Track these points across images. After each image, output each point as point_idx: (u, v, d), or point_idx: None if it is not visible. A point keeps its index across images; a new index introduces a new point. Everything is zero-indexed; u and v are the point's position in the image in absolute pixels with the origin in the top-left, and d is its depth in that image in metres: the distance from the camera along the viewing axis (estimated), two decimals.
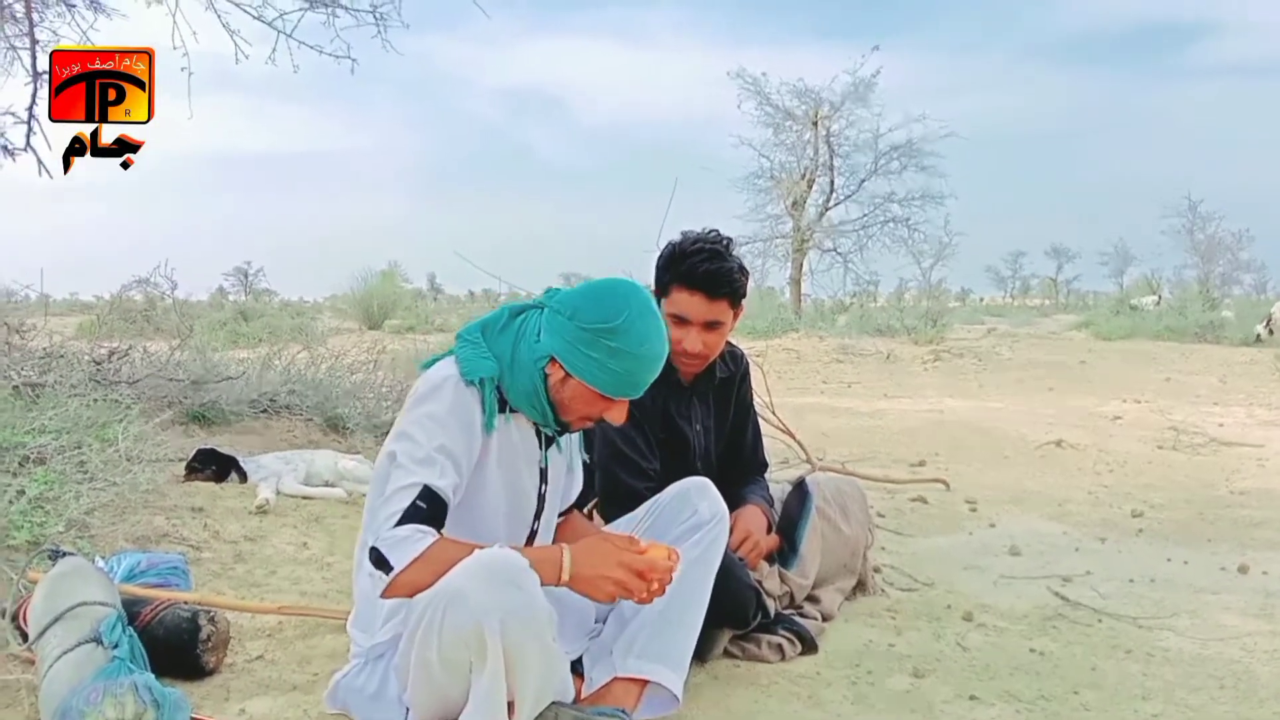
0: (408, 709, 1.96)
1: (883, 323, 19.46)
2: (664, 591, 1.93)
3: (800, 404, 9.29)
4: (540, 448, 2.12)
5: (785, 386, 11.22)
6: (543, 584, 1.81)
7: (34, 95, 4.99)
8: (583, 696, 2.13)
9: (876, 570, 3.39)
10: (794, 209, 21.98)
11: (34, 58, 5.19)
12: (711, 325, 2.61)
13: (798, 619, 2.79)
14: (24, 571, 2.38)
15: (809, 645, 2.70)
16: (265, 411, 5.51)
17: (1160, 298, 28.79)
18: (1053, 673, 2.64)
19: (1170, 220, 29.88)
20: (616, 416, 2.03)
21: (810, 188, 22.02)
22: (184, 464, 4.09)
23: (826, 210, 22.53)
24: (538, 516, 2.15)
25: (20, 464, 3.11)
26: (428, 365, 2.05)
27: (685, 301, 2.57)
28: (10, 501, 2.81)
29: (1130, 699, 2.48)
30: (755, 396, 3.09)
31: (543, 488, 2.14)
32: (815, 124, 21.75)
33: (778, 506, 3.07)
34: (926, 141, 21.38)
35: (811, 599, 2.95)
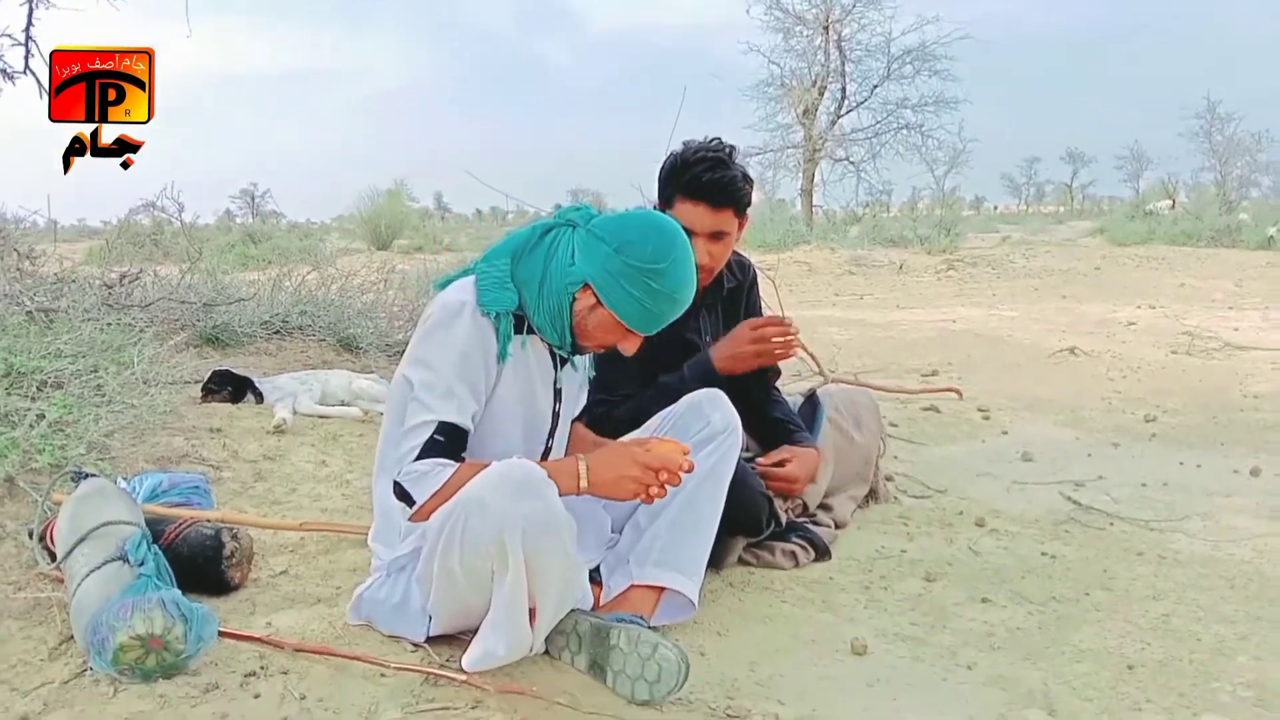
0: (430, 619, 2.01)
1: (895, 233, 19.33)
2: (679, 481, 1.96)
3: (812, 316, 9.27)
4: (555, 367, 2.12)
5: (797, 299, 11.19)
6: (561, 494, 1.84)
7: (30, 16, 4.89)
8: (601, 604, 2.17)
9: (889, 479, 3.42)
10: (805, 117, 21.67)
11: None
12: (717, 236, 2.58)
13: (811, 527, 2.82)
14: (48, 493, 2.41)
15: (822, 552, 2.73)
16: (278, 333, 5.53)
17: (1176, 202, 28.46)
18: (1064, 575, 2.68)
19: (1188, 122, 29.40)
20: (630, 347, 2.03)
21: (821, 95, 21.68)
22: (200, 386, 4.11)
23: (838, 118, 22.24)
24: (552, 434, 2.16)
25: (38, 389, 3.13)
26: (443, 285, 2.04)
27: (689, 212, 2.52)
28: (31, 426, 2.84)
29: (1141, 600, 2.51)
30: (768, 310, 3.08)
31: (557, 406, 2.15)
32: (826, 28, 21.33)
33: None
34: (940, 45, 21.03)
35: (824, 507, 2.98)
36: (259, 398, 4.11)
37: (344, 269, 7.10)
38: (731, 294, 2.85)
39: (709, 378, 2.53)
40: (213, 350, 5.12)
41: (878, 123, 22.16)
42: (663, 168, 2.60)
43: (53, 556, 2.18)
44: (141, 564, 1.98)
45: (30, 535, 2.39)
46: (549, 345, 2.07)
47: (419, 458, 1.89)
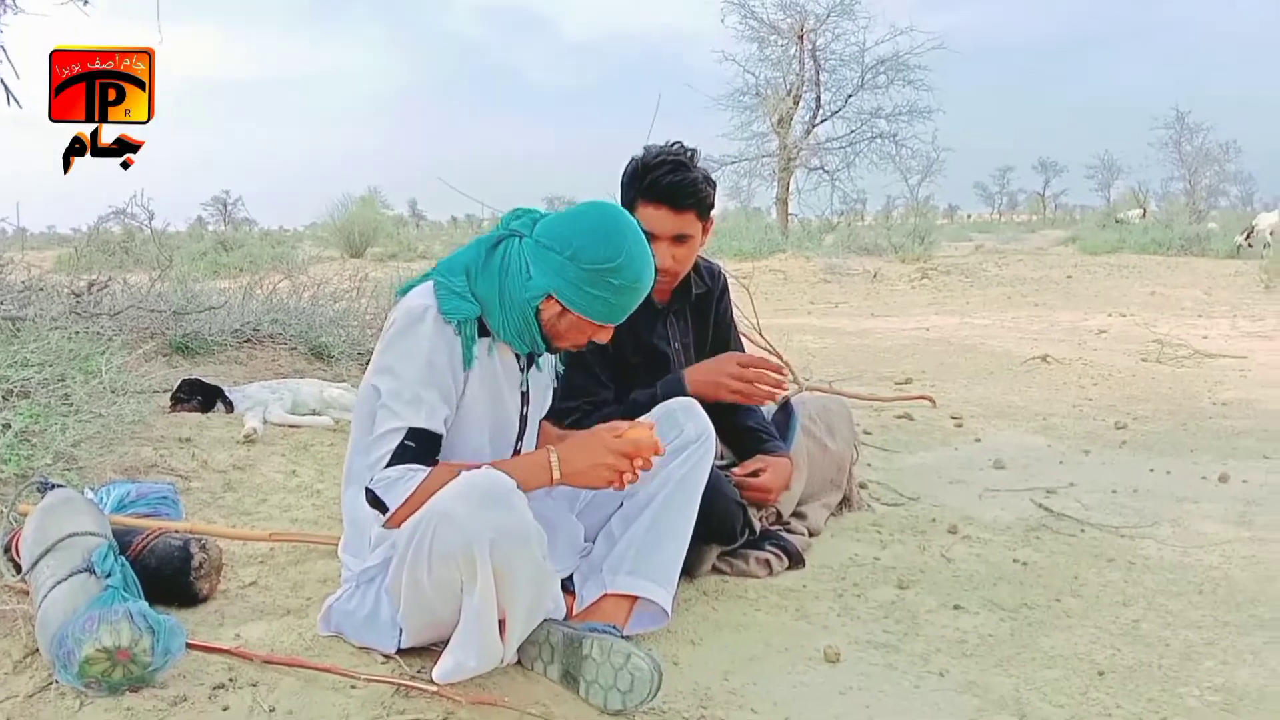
0: (401, 631, 1.99)
1: (870, 241, 19.46)
2: (651, 465, 1.98)
3: (788, 325, 9.32)
4: (521, 370, 2.12)
5: (773, 308, 11.22)
6: (536, 488, 1.88)
7: None
8: (574, 614, 2.16)
9: (862, 486, 3.43)
10: (779, 126, 21.77)
11: None
12: (680, 239, 2.56)
13: (785, 535, 2.83)
14: (14, 504, 2.39)
15: (796, 560, 2.74)
16: (249, 341, 5.49)
17: (1146, 211, 28.79)
18: (1036, 582, 2.69)
19: (1158, 132, 29.80)
20: (604, 337, 2.03)
21: (796, 104, 21.79)
22: (169, 395, 4.08)
23: (813, 127, 22.35)
24: (520, 437, 2.15)
25: (4, 398, 3.10)
26: (404, 291, 2.02)
27: (651, 216, 2.51)
28: None
29: (1111, 605, 2.53)
30: (742, 318, 3.08)
31: (525, 409, 2.14)
32: (801, 38, 21.44)
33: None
34: (914, 55, 21.18)
35: (798, 515, 2.99)
36: (229, 407, 4.08)
37: (316, 277, 7.06)
38: (700, 300, 2.83)
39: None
40: (182, 359, 5.07)
41: (852, 132, 22.31)
42: (624, 172, 2.59)
43: (18, 568, 2.16)
44: (108, 575, 1.96)
45: None
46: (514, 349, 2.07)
47: (390, 464, 1.88)
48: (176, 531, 2.40)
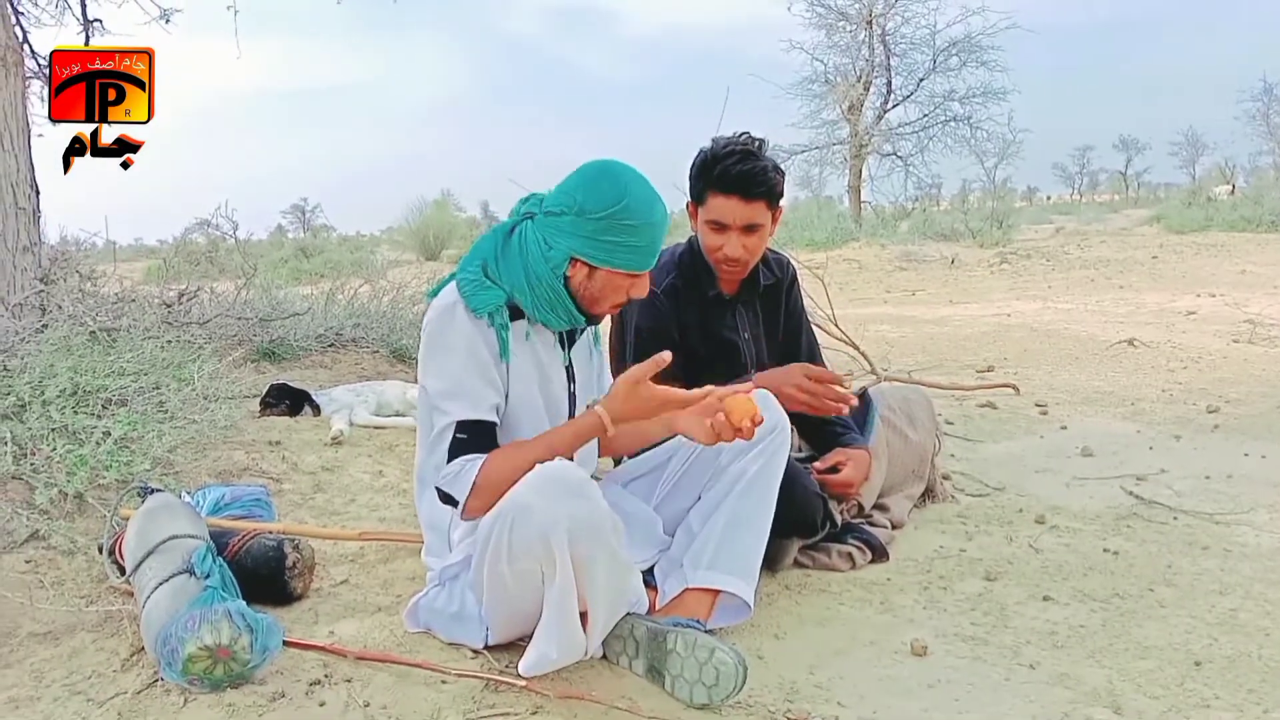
0: (487, 627, 2.03)
1: (946, 227, 19.12)
2: (751, 435, 1.96)
3: (863, 315, 9.21)
4: (562, 347, 2.14)
5: (847, 298, 11.12)
6: (589, 439, 1.98)
7: (87, 40, 5.02)
8: (656, 608, 2.17)
9: (946, 477, 3.38)
10: (850, 113, 21.50)
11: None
12: (750, 228, 2.57)
13: (867, 528, 2.80)
14: (116, 509, 2.48)
15: (879, 553, 2.71)
16: (332, 345, 5.62)
17: (1234, 187, 27.82)
18: (1127, 571, 2.63)
19: (1245, 105, 28.77)
20: (641, 290, 2.06)
21: (867, 90, 21.48)
22: (258, 400, 4.19)
23: (884, 113, 22.02)
24: (572, 414, 2.17)
25: (104, 406, 3.21)
26: (434, 294, 2.06)
27: (721, 206, 2.54)
28: (98, 443, 2.91)
29: (1207, 594, 2.46)
30: (816, 309, 3.06)
31: (571, 386, 2.17)
32: (869, 23, 21.14)
33: None
34: (986, 35, 20.75)
35: (881, 507, 2.96)
36: (316, 410, 4.18)
37: (395, 281, 7.19)
38: (769, 291, 2.83)
39: None
40: (269, 364, 5.21)
41: (925, 116, 21.92)
42: (693, 164, 2.61)
43: (122, 570, 2.24)
44: (208, 576, 2.03)
45: (100, 550, 2.46)
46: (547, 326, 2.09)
47: (449, 460, 1.94)
48: (270, 532, 2.47)
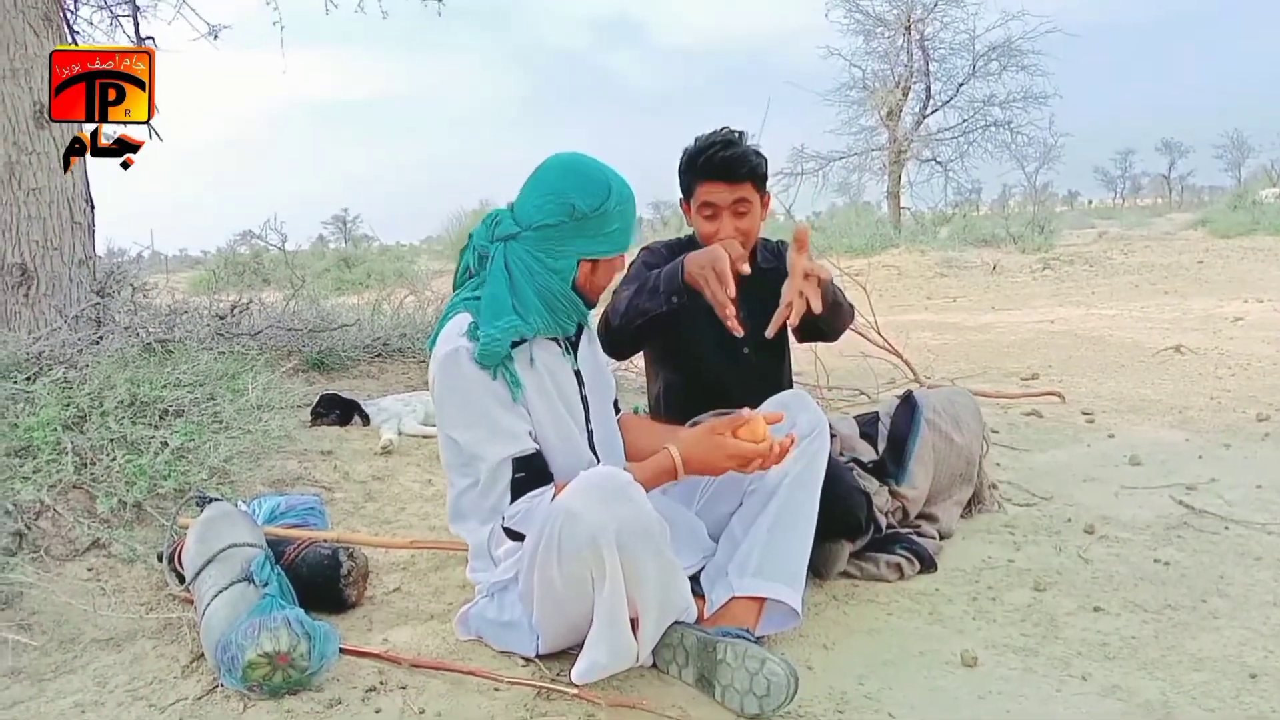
0: (538, 637, 2.05)
1: (987, 232, 18.98)
2: (780, 461, 2.03)
3: (904, 321, 9.16)
4: (567, 353, 2.17)
5: (888, 305, 11.05)
6: (662, 483, 2.01)
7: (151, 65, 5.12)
8: (704, 617, 2.18)
9: (993, 486, 3.36)
10: (889, 119, 21.38)
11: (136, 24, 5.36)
12: (740, 206, 2.63)
13: (915, 538, 2.80)
14: (175, 518, 2.53)
15: (928, 564, 2.71)
16: (379, 356, 5.69)
17: None
18: (1179, 582, 2.61)
19: None
20: (622, 265, 2.17)
21: (905, 96, 21.36)
22: (309, 410, 4.26)
23: (924, 118, 21.88)
24: (589, 417, 2.20)
25: (161, 417, 3.28)
26: (433, 342, 2.06)
27: (710, 192, 2.63)
28: (155, 453, 2.98)
29: (1261, 605, 2.44)
30: (859, 316, 3.05)
31: (582, 390, 2.20)
32: (908, 28, 21.03)
33: (885, 421, 3.04)
34: (1026, 39, 20.56)
35: (929, 517, 2.95)
36: (365, 420, 4.24)
37: (438, 291, 7.26)
38: (768, 274, 2.80)
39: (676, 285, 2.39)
40: (319, 375, 5.29)
41: (964, 121, 21.75)
42: (680, 163, 2.70)
43: (181, 578, 2.29)
44: (266, 584, 2.07)
45: (159, 558, 2.52)
46: (550, 337, 2.13)
47: (513, 500, 1.97)
48: (325, 541, 2.52)
